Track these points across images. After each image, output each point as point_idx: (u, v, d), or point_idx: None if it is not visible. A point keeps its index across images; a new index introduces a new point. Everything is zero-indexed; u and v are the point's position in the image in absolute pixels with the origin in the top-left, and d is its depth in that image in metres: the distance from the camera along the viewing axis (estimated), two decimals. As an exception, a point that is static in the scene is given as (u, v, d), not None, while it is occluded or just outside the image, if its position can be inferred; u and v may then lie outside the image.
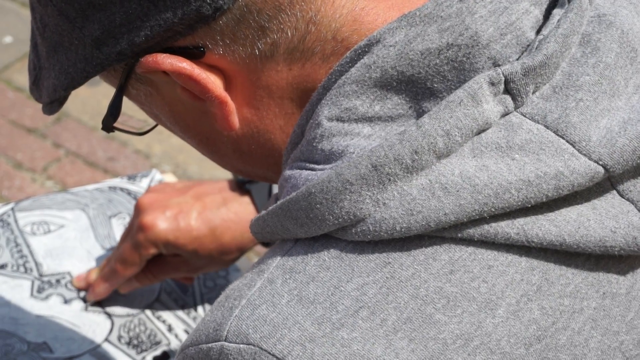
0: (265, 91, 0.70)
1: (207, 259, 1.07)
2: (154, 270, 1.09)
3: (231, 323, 0.63)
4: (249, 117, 0.71)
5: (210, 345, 0.64)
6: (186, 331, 1.13)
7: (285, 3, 0.66)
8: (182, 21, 0.65)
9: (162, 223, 1.04)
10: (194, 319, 1.14)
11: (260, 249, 2.07)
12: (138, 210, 1.07)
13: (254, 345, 0.62)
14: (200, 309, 1.15)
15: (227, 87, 0.69)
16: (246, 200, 1.08)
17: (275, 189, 1.08)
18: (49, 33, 0.70)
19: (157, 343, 1.11)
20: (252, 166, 0.76)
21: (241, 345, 0.62)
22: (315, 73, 0.68)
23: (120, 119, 0.74)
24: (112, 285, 1.10)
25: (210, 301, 1.16)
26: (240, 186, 1.10)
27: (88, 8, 0.67)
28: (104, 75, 0.72)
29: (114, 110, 0.72)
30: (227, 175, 2.13)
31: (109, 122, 0.74)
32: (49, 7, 0.68)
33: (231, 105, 0.70)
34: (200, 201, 1.07)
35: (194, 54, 0.67)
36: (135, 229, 1.06)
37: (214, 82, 0.68)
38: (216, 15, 0.65)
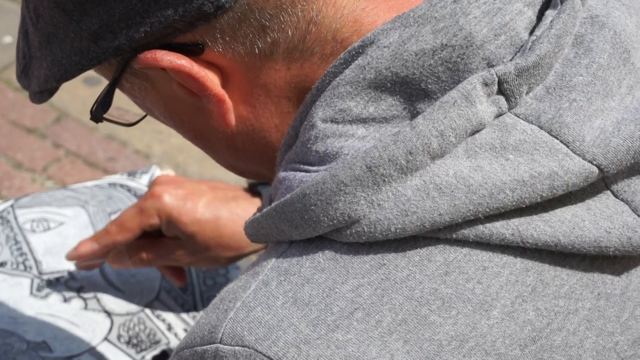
0: (263, 90, 0.70)
1: (203, 247, 1.05)
2: (147, 250, 1.07)
3: (226, 325, 0.63)
4: (244, 115, 0.71)
5: (205, 347, 0.64)
6: (185, 330, 1.13)
7: (287, 3, 0.65)
8: (183, 18, 0.65)
9: (170, 196, 1.04)
10: (194, 317, 1.14)
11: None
12: (153, 183, 1.07)
13: (249, 348, 0.62)
14: (199, 307, 1.15)
15: (225, 84, 0.69)
16: (256, 201, 1.08)
17: None
18: (42, 24, 0.70)
19: (157, 342, 1.11)
20: (245, 163, 0.76)
21: (236, 348, 0.62)
22: (313, 73, 0.68)
23: (116, 112, 0.74)
24: (100, 247, 1.07)
25: (210, 299, 1.16)
26: (252, 189, 1.10)
27: (86, 2, 0.66)
28: (98, 68, 0.72)
29: (105, 102, 0.72)
30: (228, 174, 2.13)
31: (99, 113, 0.73)
32: None
33: (228, 103, 0.70)
34: (213, 191, 1.07)
35: (193, 51, 0.67)
36: (144, 196, 1.06)
37: (212, 80, 0.68)
38: (217, 13, 0.65)
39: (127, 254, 1.08)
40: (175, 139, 2.45)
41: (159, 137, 2.48)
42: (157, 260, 1.08)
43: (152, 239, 1.08)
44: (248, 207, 1.06)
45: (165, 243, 1.07)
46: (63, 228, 1.17)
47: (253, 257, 1.13)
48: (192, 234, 1.05)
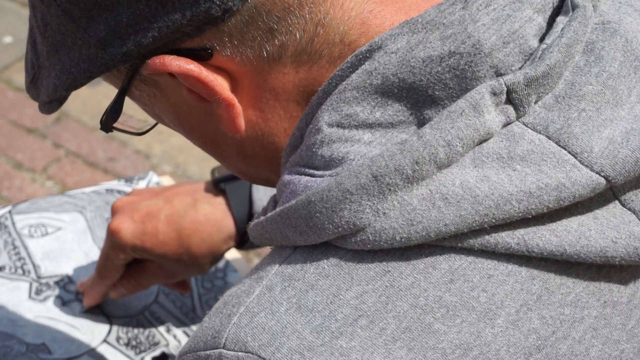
0: (272, 94, 0.69)
1: (178, 262, 1.04)
2: (135, 277, 1.07)
3: (229, 330, 0.63)
4: (253, 120, 0.71)
5: (208, 352, 0.64)
6: (184, 332, 1.13)
7: (295, 5, 0.65)
8: (191, 23, 0.65)
9: (127, 227, 1.02)
10: (192, 319, 1.14)
11: (259, 251, 2.06)
12: (111, 210, 1.05)
13: (252, 354, 0.61)
14: (198, 310, 1.15)
15: (234, 88, 0.69)
16: (219, 200, 1.05)
17: (257, 190, 1.06)
18: (50, 32, 0.69)
19: (156, 344, 1.11)
20: (254, 168, 0.76)
21: (239, 353, 0.62)
22: (322, 76, 0.68)
23: (120, 118, 0.73)
24: (100, 293, 1.08)
25: (208, 302, 1.16)
26: (215, 186, 1.07)
27: (94, 8, 0.66)
28: (106, 76, 0.72)
29: (115, 111, 0.72)
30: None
31: (109, 122, 0.73)
32: (52, 6, 0.68)
33: (238, 107, 0.69)
34: (169, 204, 1.04)
35: (202, 56, 0.67)
36: (106, 234, 1.04)
37: (221, 84, 0.68)
38: (225, 16, 0.65)
39: (121, 286, 1.08)
40: (175, 139, 2.45)
41: (159, 137, 2.48)
42: (147, 283, 1.08)
43: (137, 265, 1.07)
44: (209, 211, 1.04)
45: (147, 267, 1.07)
46: (61, 233, 1.17)
47: (255, 261, 1.12)
48: (161, 255, 1.03)
